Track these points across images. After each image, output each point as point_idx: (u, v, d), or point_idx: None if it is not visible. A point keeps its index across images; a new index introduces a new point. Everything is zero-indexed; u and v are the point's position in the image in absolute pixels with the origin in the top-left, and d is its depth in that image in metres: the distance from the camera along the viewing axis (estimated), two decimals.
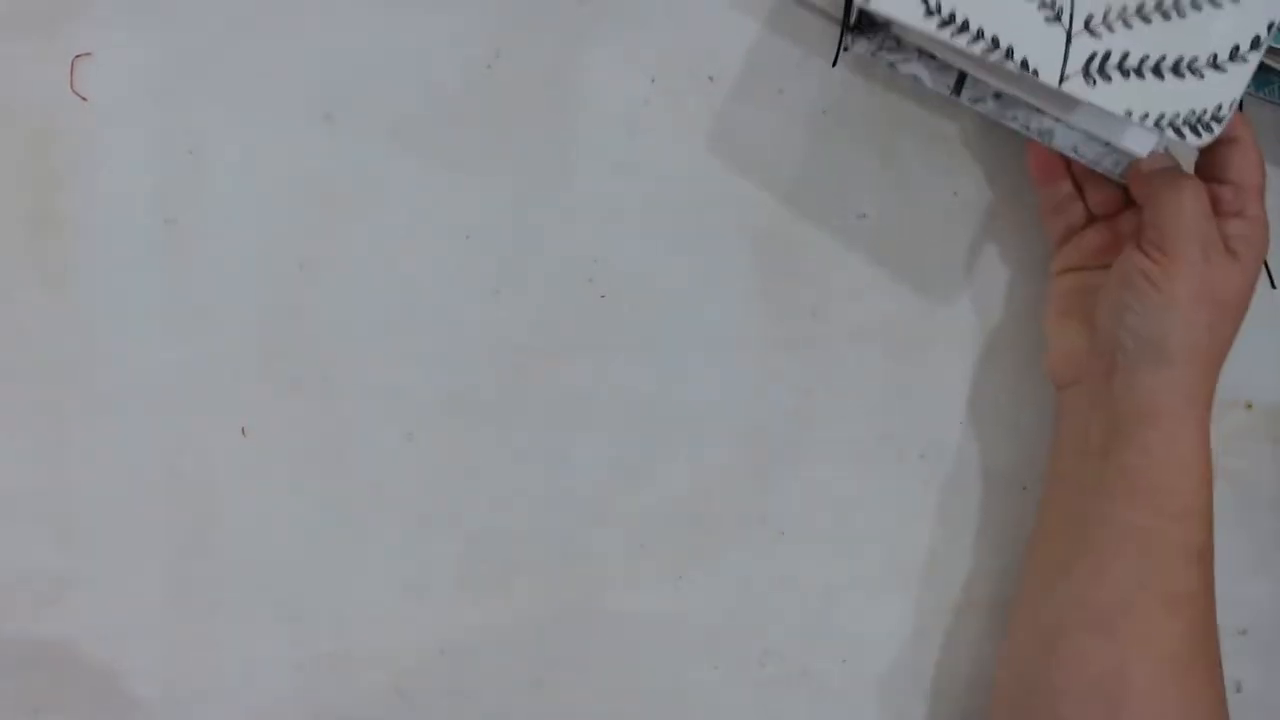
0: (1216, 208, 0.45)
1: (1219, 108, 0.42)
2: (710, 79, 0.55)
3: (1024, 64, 0.41)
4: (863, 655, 0.52)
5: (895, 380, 0.54)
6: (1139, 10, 0.41)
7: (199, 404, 0.53)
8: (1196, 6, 0.41)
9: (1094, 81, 0.41)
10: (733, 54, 0.55)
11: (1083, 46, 0.41)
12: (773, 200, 0.55)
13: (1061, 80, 0.41)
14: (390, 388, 0.54)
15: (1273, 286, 0.54)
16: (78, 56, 0.53)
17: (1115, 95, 0.41)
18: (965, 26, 0.41)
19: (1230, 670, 0.52)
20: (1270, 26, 0.41)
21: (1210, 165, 0.47)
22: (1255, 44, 0.42)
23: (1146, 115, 0.42)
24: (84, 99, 0.53)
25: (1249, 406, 0.54)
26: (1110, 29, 0.41)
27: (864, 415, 0.53)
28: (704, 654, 0.53)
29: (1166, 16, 0.41)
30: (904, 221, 0.54)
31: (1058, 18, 0.41)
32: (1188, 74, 0.42)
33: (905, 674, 0.53)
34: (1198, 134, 0.43)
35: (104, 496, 0.52)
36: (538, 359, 0.54)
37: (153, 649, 0.53)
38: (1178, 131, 0.42)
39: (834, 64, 0.55)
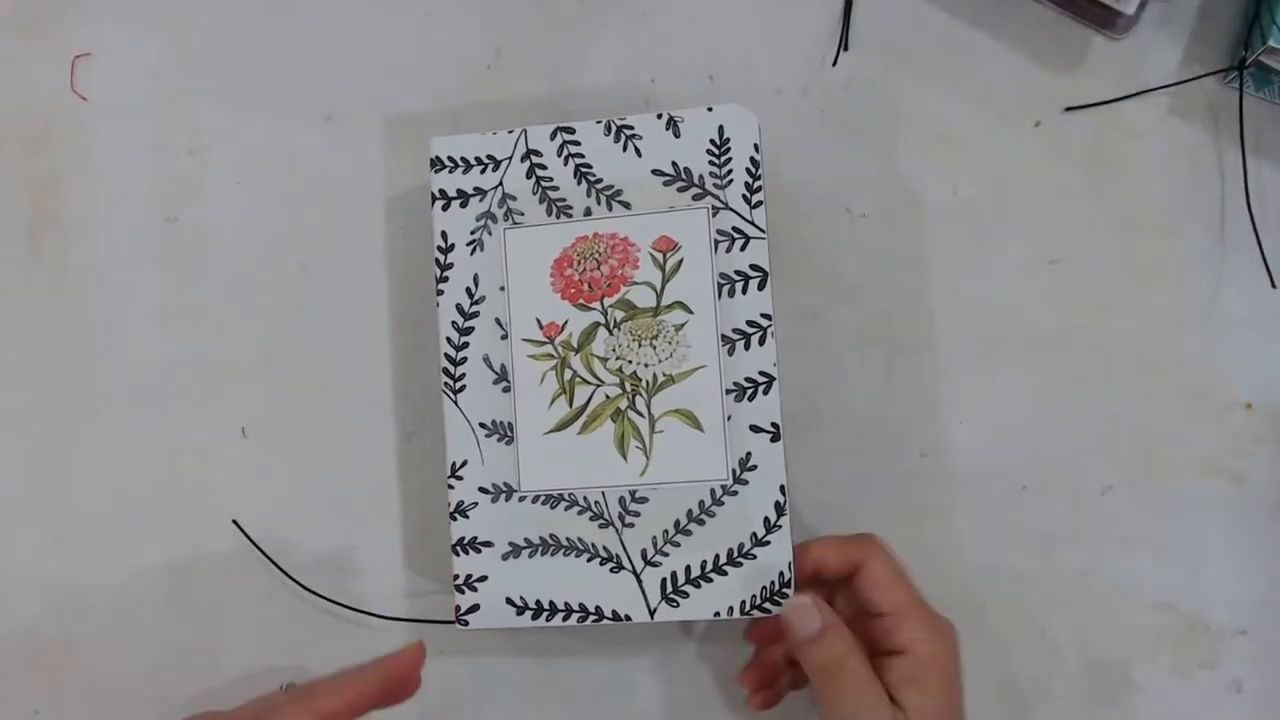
0: (877, 647, 0.45)
1: (781, 575, 0.47)
2: (710, 79, 0.55)
3: (616, 616, 0.47)
4: None
5: (895, 380, 0.54)
6: (678, 529, 0.47)
7: (199, 404, 0.53)
8: (719, 503, 0.47)
9: (676, 603, 0.47)
10: (733, 54, 0.55)
11: (653, 578, 0.47)
12: (773, 200, 0.54)
13: (653, 615, 0.47)
14: (389, 387, 0.54)
15: (1273, 286, 0.54)
16: (78, 56, 0.53)
17: (699, 605, 0.47)
18: (554, 608, 0.47)
19: (1230, 670, 0.52)
20: (782, 489, 0.47)
21: (860, 601, 0.46)
22: (780, 509, 0.47)
23: (731, 609, 0.47)
24: (84, 99, 0.53)
25: (1249, 406, 0.54)
26: (665, 554, 0.47)
27: (864, 415, 0.53)
28: (704, 653, 0.53)
29: (701, 523, 0.47)
30: (904, 221, 0.54)
31: (620, 566, 0.47)
32: (744, 560, 0.47)
33: None
34: (777, 603, 0.46)
35: (104, 496, 0.52)
36: None
37: (153, 649, 0.53)
38: (762, 609, 0.47)
39: (834, 64, 0.55)
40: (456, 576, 0.48)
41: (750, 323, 0.48)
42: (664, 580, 0.47)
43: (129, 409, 0.52)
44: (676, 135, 0.49)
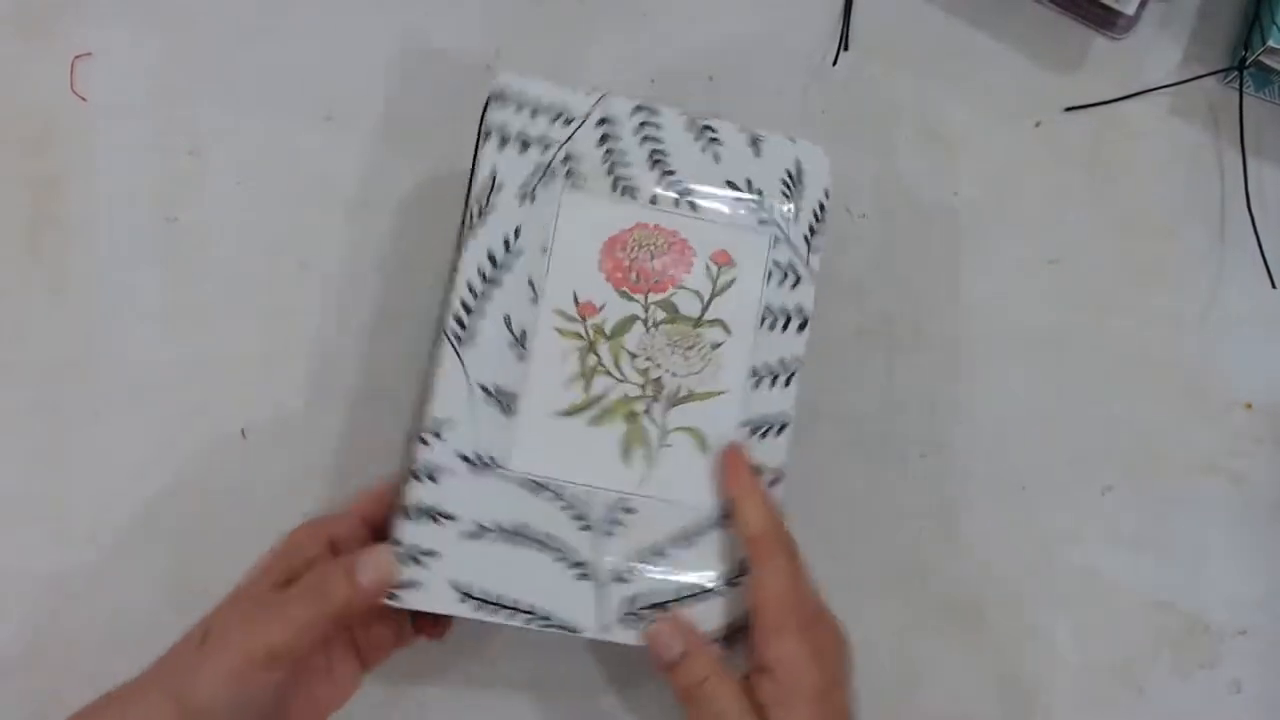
0: (755, 661, 0.42)
1: (741, 618, 0.44)
2: (710, 79, 0.55)
3: (563, 626, 0.44)
4: (862, 655, 0.52)
5: (895, 380, 0.54)
6: (656, 550, 0.45)
7: (199, 404, 0.53)
8: (703, 533, 0.45)
9: (632, 625, 0.44)
10: (733, 54, 0.55)
11: (615, 594, 0.44)
12: None
13: (604, 631, 0.44)
14: (389, 387, 0.54)
15: (1273, 286, 0.54)
16: (78, 57, 0.53)
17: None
18: (501, 603, 0.43)
19: (1230, 670, 0.52)
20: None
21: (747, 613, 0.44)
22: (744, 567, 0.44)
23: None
24: (84, 99, 0.53)
25: (1249, 406, 0.54)
26: (636, 572, 0.44)
27: (864, 415, 0.53)
28: None
29: (680, 548, 0.45)
30: (904, 221, 0.54)
31: (586, 575, 0.44)
32: (708, 597, 0.45)
33: (903, 674, 0.53)
34: (738, 638, 0.45)
35: (104, 496, 0.52)
36: None
37: (153, 649, 0.53)
38: (729, 642, 0.45)
39: (834, 64, 0.55)
40: (398, 543, 0.43)
41: (782, 361, 0.47)
42: (627, 599, 0.44)
43: (129, 409, 0.52)
44: (757, 154, 0.48)
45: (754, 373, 0.47)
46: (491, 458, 0.44)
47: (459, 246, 0.46)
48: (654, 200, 0.47)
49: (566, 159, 0.46)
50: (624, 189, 0.47)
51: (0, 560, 0.51)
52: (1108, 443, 0.53)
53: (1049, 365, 0.54)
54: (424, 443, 0.44)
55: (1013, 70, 0.55)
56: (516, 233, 0.45)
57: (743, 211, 0.47)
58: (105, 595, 0.51)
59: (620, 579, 0.44)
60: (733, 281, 0.47)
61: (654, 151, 0.47)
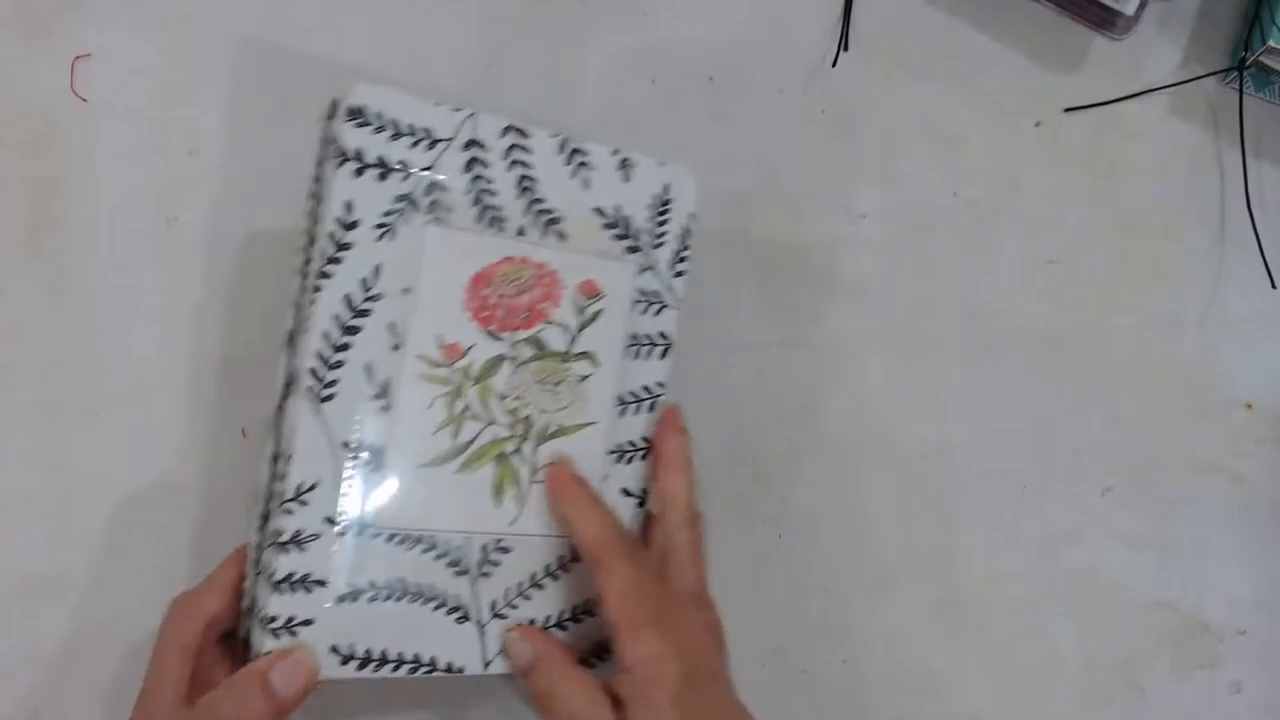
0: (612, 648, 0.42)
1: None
2: (710, 79, 0.55)
3: (449, 668, 0.43)
4: (863, 655, 0.52)
5: (895, 380, 0.54)
6: (533, 582, 0.45)
7: (199, 404, 0.53)
8: (576, 559, 0.45)
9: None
10: (733, 54, 0.55)
11: (496, 629, 0.44)
12: (773, 200, 0.55)
13: (487, 666, 0.44)
14: None
15: (1273, 286, 0.54)
16: (78, 57, 0.53)
17: None
18: (384, 658, 0.42)
19: (1230, 670, 0.52)
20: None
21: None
22: None
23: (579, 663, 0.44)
24: (84, 99, 0.53)
25: (1249, 406, 0.54)
26: (514, 606, 0.44)
27: (864, 415, 0.53)
28: None
29: (555, 578, 0.45)
30: (904, 221, 0.54)
31: (466, 617, 0.43)
32: (583, 618, 0.46)
33: (905, 674, 0.53)
34: (602, 658, 0.45)
35: (104, 496, 0.52)
36: None
37: (153, 649, 0.53)
38: (588, 664, 0.45)
39: (834, 64, 0.55)
40: (274, 619, 0.40)
41: (645, 388, 0.46)
42: (506, 633, 0.44)
43: (129, 409, 0.52)
44: (626, 180, 0.46)
45: (620, 401, 0.46)
46: (359, 518, 0.42)
47: (305, 289, 0.42)
48: (521, 231, 0.44)
49: (431, 188, 0.42)
50: (491, 219, 0.43)
51: (0, 560, 0.51)
52: (1108, 443, 0.53)
53: (1049, 365, 0.54)
54: (289, 511, 0.41)
55: (1013, 70, 0.55)
56: (376, 273, 0.41)
57: (610, 239, 0.45)
58: (105, 595, 0.51)
59: (499, 615, 0.44)
60: (600, 313, 0.45)
61: (523, 178, 0.44)
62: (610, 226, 0.46)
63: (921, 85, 0.55)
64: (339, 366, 0.41)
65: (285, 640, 0.40)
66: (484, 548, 0.44)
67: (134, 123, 0.54)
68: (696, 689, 0.40)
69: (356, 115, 0.41)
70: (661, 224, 0.46)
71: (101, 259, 0.53)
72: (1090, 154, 0.55)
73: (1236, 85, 0.54)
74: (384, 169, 0.41)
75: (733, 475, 0.53)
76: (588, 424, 0.45)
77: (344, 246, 0.41)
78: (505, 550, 0.44)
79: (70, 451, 0.52)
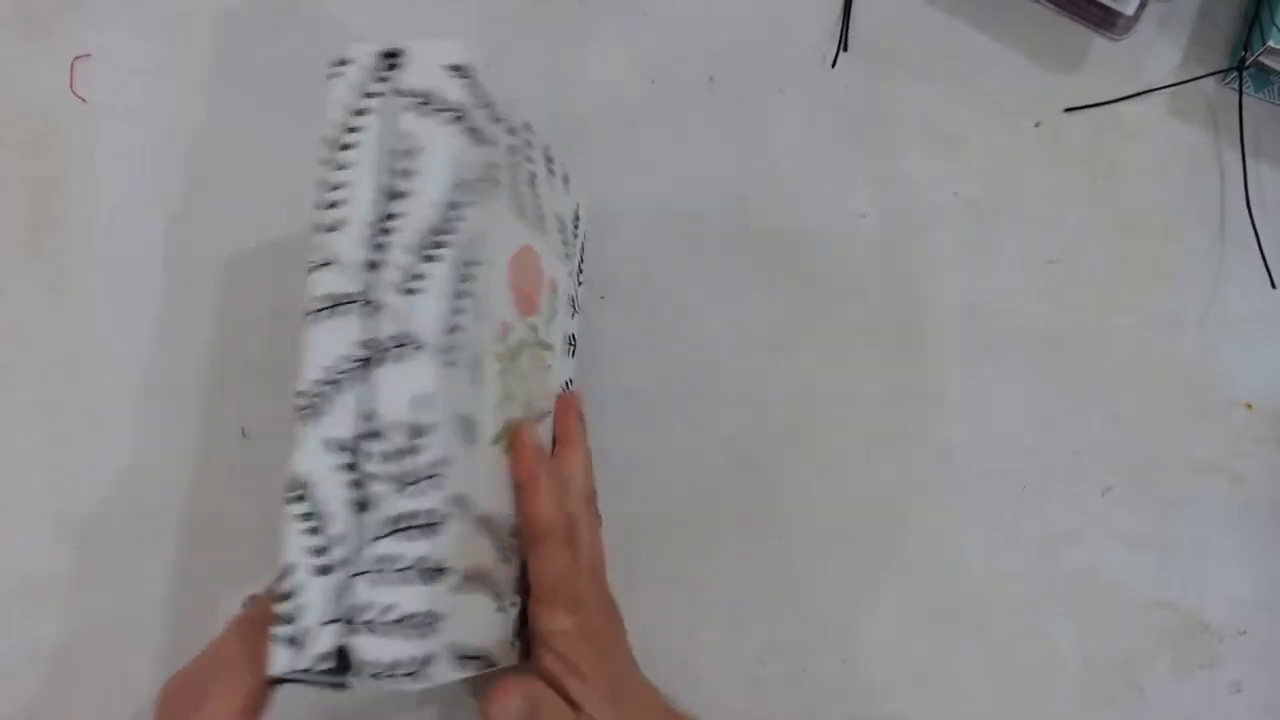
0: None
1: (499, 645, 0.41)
2: (710, 79, 0.55)
3: (490, 663, 0.40)
4: (862, 655, 0.52)
5: (895, 380, 0.54)
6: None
7: (200, 404, 0.53)
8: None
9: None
10: (733, 54, 0.55)
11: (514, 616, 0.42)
12: (773, 200, 0.55)
13: (513, 648, 0.42)
14: None
15: (1273, 286, 0.54)
16: (78, 57, 0.53)
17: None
18: (476, 654, 0.39)
19: (1230, 670, 0.52)
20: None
21: None
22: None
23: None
24: (84, 99, 0.53)
25: (1249, 406, 0.54)
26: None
27: (864, 415, 0.53)
28: (704, 653, 0.53)
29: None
30: (904, 221, 0.54)
31: (501, 607, 0.41)
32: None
33: (904, 674, 0.53)
34: (487, 665, 0.40)
35: (104, 496, 0.52)
36: None
37: (153, 649, 0.53)
38: (477, 660, 0.39)
39: (834, 64, 0.55)
40: (412, 616, 0.35)
41: (567, 383, 0.50)
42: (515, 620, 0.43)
43: (129, 409, 0.52)
44: (566, 192, 0.49)
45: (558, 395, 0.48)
46: (461, 494, 0.37)
47: (388, 245, 0.36)
48: (531, 223, 0.44)
49: (498, 165, 0.39)
50: (519, 207, 0.42)
51: (0, 560, 0.51)
52: (1108, 443, 0.53)
53: (1049, 365, 0.54)
54: (420, 492, 0.36)
55: (1013, 70, 0.55)
56: (472, 243, 0.37)
57: (560, 244, 0.48)
58: (105, 595, 0.51)
59: (512, 604, 0.43)
60: (556, 310, 0.47)
61: (531, 174, 0.44)
62: (560, 231, 0.48)
63: (921, 85, 0.55)
64: (456, 331, 0.36)
65: (415, 643, 0.35)
66: (511, 530, 0.42)
67: (134, 123, 0.54)
68: (604, 659, 0.42)
69: (461, 72, 0.37)
70: (575, 237, 0.50)
71: (101, 259, 0.53)
72: (1090, 154, 0.55)
73: (1236, 85, 0.54)
74: (478, 135, 0.38)
75: (731, 475, 0.53)
76: (549, 413, 0.47)
77: (455, 207, 0.36)
78: (514, 535, 0.43)
79: (70, 451, 0.52)
